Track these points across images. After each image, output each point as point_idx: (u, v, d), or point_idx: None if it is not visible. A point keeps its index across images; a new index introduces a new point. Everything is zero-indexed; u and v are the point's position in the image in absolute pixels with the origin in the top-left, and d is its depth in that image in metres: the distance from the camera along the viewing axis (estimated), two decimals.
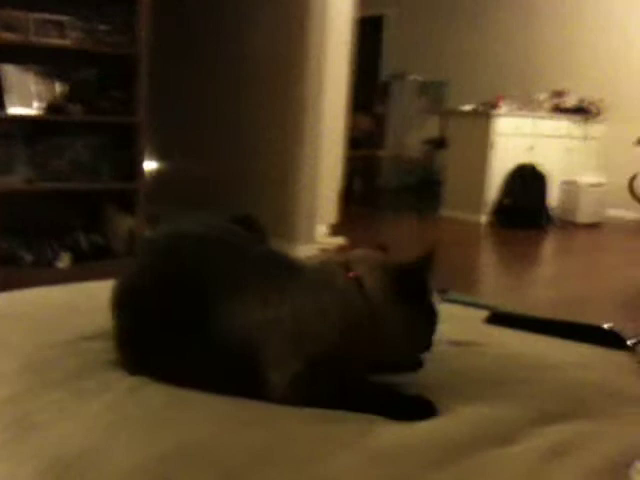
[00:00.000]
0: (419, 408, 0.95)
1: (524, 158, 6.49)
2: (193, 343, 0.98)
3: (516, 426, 0.93)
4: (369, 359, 1.00)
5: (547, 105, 6.98)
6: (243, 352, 0.96)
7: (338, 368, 0.96)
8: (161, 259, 1.08)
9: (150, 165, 4.85)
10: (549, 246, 5.95)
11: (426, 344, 1.04)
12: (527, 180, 6.39)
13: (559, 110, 6.97)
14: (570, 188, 6.70)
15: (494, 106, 6.50)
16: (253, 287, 1.00)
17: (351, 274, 1.00)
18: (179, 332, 1.00)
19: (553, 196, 6.59)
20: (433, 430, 0.90)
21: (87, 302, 1.33)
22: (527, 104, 6.88)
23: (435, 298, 1.06)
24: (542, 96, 6.99)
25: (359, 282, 0.99)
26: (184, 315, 1.00)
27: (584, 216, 6.58)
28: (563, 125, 6.88)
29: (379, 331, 0.98)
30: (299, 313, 0.97)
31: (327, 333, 0.97)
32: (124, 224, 3.55)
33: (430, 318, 1.04)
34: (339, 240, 4.90)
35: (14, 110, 3.19)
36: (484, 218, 6.39)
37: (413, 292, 1.01)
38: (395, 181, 8.91)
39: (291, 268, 1.05)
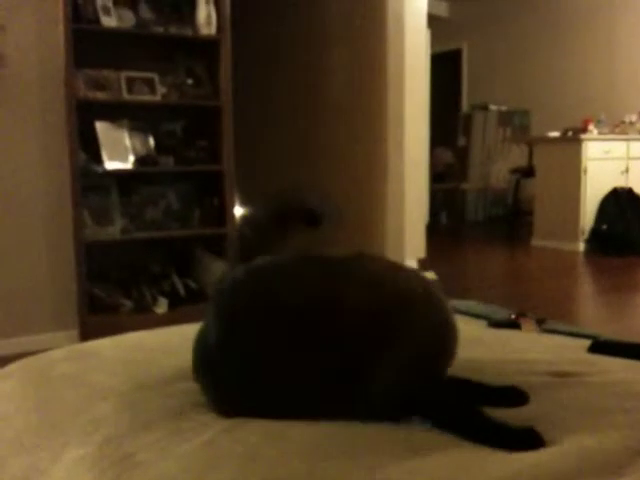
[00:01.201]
0: (526, 439, 0.94)
1: (618, 182, 6.27)
2: (285, 370, 1.00)
3: (622, 457, 0.88)
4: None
5: (638, 126, 6.74)
6: (340, 371, 0.98)
7: (432, 368, 1.01)
8: (244, 295, 1.07)
9: (239, 210, 4.98)
10: None
11: None
12: (624, 204, 6.15)
13: None
14: None
15: (582, 130, 6.33)
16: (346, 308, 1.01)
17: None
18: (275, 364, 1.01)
19: None
20: (538, 463, 0.87)
21: (182, 344, 1.35)
22: (617, 126, 6.67)
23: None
24: (632, 117, 6.76)
25: None
26: (280, 348, 1.01)
27: None
28: None
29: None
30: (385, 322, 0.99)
31: (414, 335, 1.00)
32: (217, 268, 3.64)
33: None
34: (429, 275, 4.85)
35: (110, 165, 3.35)
36: (581, 246, 6.18)
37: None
38: (482, 213, 8.78)
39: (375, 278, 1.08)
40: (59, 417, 1.09)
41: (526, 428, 0.95)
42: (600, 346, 1.42)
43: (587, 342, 1.46)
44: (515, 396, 1.06)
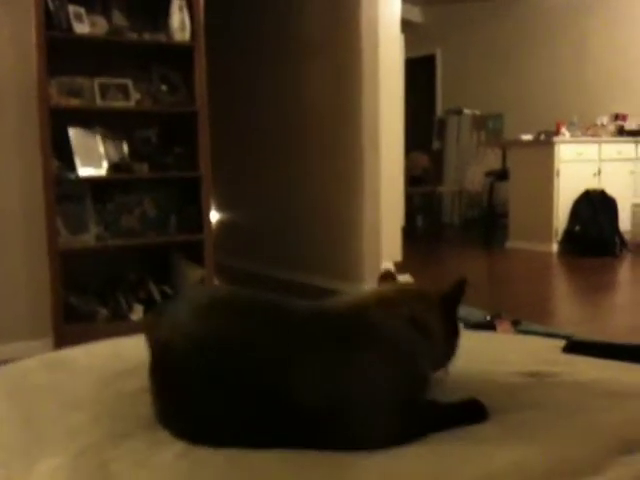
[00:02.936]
0: (471, 410, 1.02)
1: (591, 184, 6.35)
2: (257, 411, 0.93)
3: (599, 456, 0.89)
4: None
5: (610, 129, 6.84)
6: (321, 415, 0.93)
7: (425, 401, 1.01)
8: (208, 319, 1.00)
9: (216, 216, 4.96)
10: (623, 273, 5.75)
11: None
12: (596, 206, 6.23)
13: (623, 133, 6.81)
14: None
15: (555, 133, 6.41)
16: (319, 348, 0.96)
17: (404, 311, 1.05)
18: (236, 399, 0.94)
19: (624, 221, 6.40)
20: (515, 461, 0.88)
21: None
22: (588, 129, 6.76)
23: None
24: (604, 120, 6.85)
25: (413, 317, 1.05)
26: (242, 381, 0.94)
27: None
28: (629, 148, 6.71)
29: (435, 354, 1.07)
30: (377, 365, 0.97)
31: (408, 375, 0.99)
32: (194, 275, 3.62)
33: (458, 333, 1.13)
34: (406, 278, 4.87)
35: (84, 172, 3.32)
36: (554, 247, 6.25)
37: (453, 317, 1.12)
38: (458, 216, 8.85)
39: (347, 319, 1.02)
40: (34, 427, 1.08)
41: (470, 400, 1.03)
42: (574, 346, 1.44)
43: (562, 342, 1.48)
44: (475, 411, 1.03)
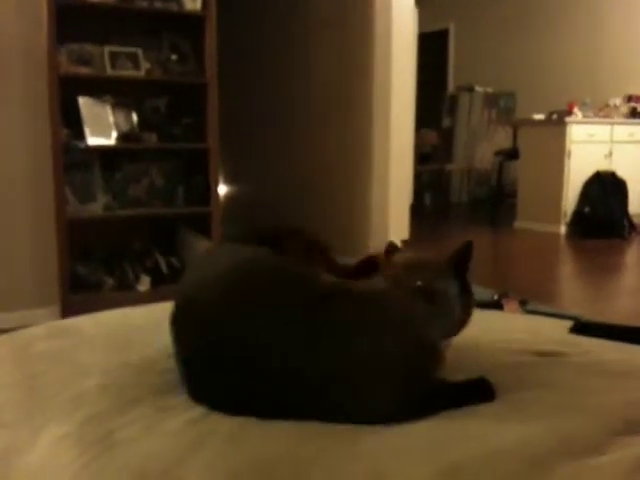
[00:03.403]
0: (480, 390, 1.01)
1: (602, 165, 6.30)
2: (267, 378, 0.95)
3: (602, 436, 0.89)
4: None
5: (623, 110, 6.77)
6: (329, 396, 0.94)
7: (434, 380, 1.00)
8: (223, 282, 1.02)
9: (223, 189, 4.95)
10: (631, 255, 5.73)
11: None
12: (606, 188, 6.19)
13: (636, 115, 6.74)
14: None
15: (567, 113, 6.35)
16: (334, 321, 0.97)
17: (413, 285, 1.03)
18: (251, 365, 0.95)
19: (634, 203, 6.36)
20: (518, 440, 0.87)
21: (166, 321, 1.35)
22: (601, 110, 6.69)
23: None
24: (617, 101, 6.78)
25: (422, 289, 1.02)
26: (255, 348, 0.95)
27: None
28: None
29: (448, 322, 1.05)
30: (387, 350, 0.96)
31: (418, 358, 0.98)
32: (200, 247, 3.62)
33: (472, 295, 1.11)
34: None
35: (93, 141, 3.31)
36: (563, 228, 6.23)
37: (464, 280, 1.09)
38: (466, 194, 8.82)
39: (362, 295, 1.02)
40: (40, 395, 1.08)
41: (479, 379, 1.03)
42: (582, 327, 1.43)
43: (569, 323, 1.48)
44: (483, 391, 1.03)
